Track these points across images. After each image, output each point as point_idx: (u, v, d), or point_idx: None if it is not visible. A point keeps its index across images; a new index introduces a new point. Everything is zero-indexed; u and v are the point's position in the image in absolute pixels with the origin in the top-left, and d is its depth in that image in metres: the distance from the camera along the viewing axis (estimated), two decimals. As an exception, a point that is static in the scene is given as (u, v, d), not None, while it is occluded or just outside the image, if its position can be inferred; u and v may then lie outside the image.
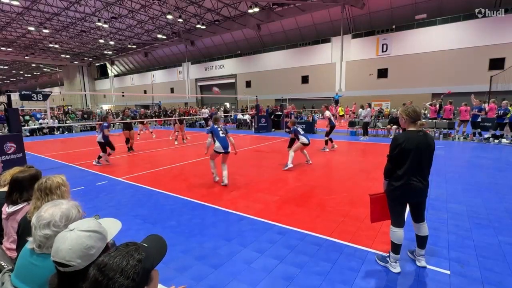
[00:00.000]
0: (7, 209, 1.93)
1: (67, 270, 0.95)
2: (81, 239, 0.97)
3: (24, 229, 1.68)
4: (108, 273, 0.77)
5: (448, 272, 2.63)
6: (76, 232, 0.98)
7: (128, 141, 10.16)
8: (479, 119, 10.91)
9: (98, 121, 14.09)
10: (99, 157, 8.00)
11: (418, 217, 2.70)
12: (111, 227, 1.18)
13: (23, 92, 6.78)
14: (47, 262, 1.17)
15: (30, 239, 1.25)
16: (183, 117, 13.10)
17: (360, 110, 13.16)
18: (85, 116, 25.40)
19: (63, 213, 1.23)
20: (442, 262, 2.79)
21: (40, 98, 6.98)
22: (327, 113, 9.75)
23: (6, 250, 1.88)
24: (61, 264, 0.95)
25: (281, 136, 13.62)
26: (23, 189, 1.94)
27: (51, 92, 7.87)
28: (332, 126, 9.56)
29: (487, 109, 12.02)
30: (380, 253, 2.95)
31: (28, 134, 17.03)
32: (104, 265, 0.79)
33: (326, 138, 9.48)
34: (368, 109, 12.40)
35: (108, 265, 0.78)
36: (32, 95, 6.88)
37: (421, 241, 2.70)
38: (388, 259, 2.77)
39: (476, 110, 10.92)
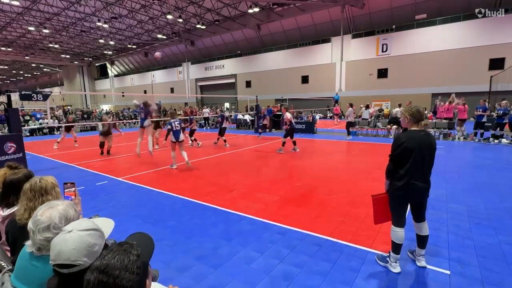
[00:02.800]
0: (1, 212, 1.88)
1: (73, 270, 0.95)
2: (84, 238, 0.98)
3: (15, 236, 1.63)
4: (112, 272, 0.78)
5: (448, 272, 2.63)
6: (76, 232, 0.99)
7: (103, 145, 9.68)
8: (484, 119, 10.86)
9: (100, 120, 13.60)
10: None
11: (419, 216, 2.70)
12: (105, 226, 1.20)
13: (23, 92, 6.78)
14: (48, 263, 1.17)
15: (28, 242, 1.24)
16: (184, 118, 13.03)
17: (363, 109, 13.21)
18: (85, 116, 25.40)
19: (62, 214, 1.22)
20: (442, 262, 2.79)
21: (40, 98, 6.97)
22: (288, 115, 9.08)
23: (6, 251, 1.87)
24: (65, 265, 0.95)
25: (281, 136, 13.60)
26: (19, 190, 1.86)
27: (51, 92, 7.83)
28: (291, 128, 9.03)
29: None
30: (380, 253, 2.95)
31: (28, 134, 17.02)
32: (105, 266, 0.79)
33: (284, 140, 9.13)
34: (350, 109, 12.53)
35: (110, 265, 0.79)
36: (32, 95, 6.87)
37: (422, 241, 2.70)
38: (388, 259, 2.76)
39: (481, 110, 10.87)
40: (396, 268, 2.69)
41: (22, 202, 1.64)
